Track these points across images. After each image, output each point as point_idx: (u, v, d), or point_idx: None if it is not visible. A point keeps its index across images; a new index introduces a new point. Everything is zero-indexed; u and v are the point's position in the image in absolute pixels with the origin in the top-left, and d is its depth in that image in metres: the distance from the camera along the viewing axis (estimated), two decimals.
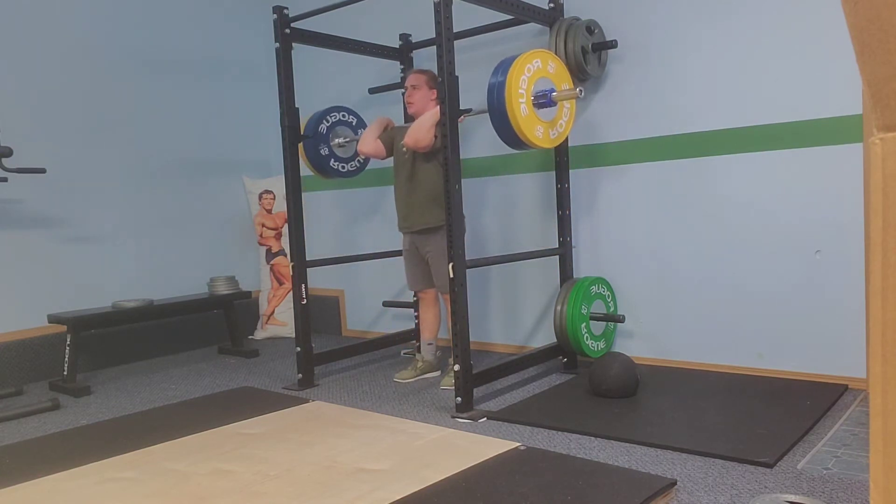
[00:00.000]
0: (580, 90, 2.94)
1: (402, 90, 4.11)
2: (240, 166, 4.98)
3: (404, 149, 3.37)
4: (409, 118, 3.55)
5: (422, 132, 3.21)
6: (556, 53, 3.33)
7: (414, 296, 3.80)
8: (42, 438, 2.87)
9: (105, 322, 3.98)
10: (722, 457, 2.27)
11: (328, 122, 3.81)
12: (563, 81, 3.06)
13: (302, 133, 3.63)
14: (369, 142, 3.51)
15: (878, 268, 0.80)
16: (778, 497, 1.94)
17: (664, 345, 3.49)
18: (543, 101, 2.94)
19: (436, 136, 3.20)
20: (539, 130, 2.95)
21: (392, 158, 3.55)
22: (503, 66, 2.89)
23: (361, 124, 3.96)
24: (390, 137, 3.54)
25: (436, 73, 3.35)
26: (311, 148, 3.73)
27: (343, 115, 3.89)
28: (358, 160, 3.94)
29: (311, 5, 3.50)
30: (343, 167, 3.89)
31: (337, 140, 3.82)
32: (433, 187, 3.30)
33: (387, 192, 4.45)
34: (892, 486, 0.80)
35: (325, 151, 3.78)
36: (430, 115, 3.22)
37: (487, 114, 2.96)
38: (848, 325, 2.97)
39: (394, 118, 4.30)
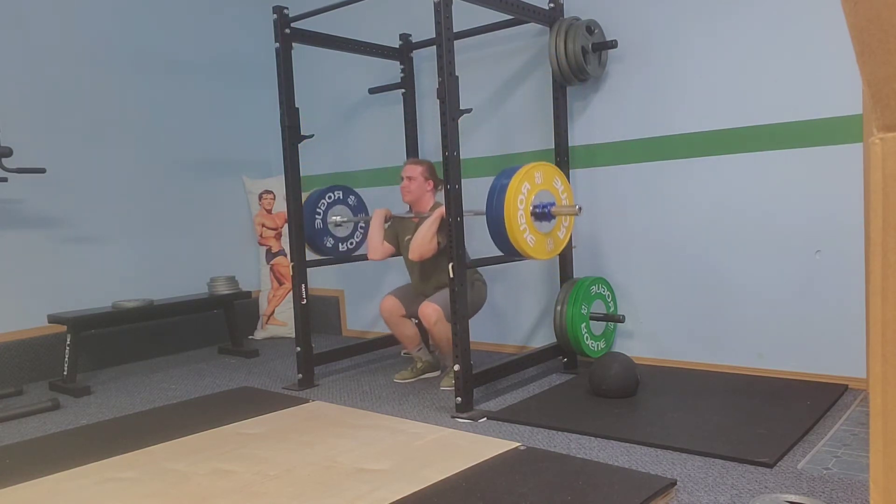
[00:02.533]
0: (579, 207, 2.96)
1: (403, 91, 4.13)
2: (240, 166, 4.98)
3: (412, 259, 3.37)
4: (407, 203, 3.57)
5: (425, 246, 3.26)
6: (555, 53, 3.33)
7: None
8: (42, 438, 2.87)
9: (105, 322, 3.97)
10: (722, 457, 2.27)
11: (326, 201, 3.84)
12: (563, 194, 3.06)
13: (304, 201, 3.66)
14: (377, 249, 3.53)
15: (878, 268, 0.80)
16: (778, 497, 1.94)
17: (664, 345, 3.49)
18: (543, 214, 2.95)
19: (438, 243, 3.24)
20: (533, 241, 2.94)
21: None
22: (505, 175, 2.89)
23: (361, 207, 4.01)
24: (394, 234, 3.58)
25: (431, 163, 3.43)
26: (308, 228, 3.75)
27: (339, 195, 3.93)
28: (351, 242, 4.00)
29: (311, 5, 3.50)
30: (342, 246, 3.95)
31: (335, 219, 3.86)
32: (443, 272, 3.30)
33: (387, 192, 4.46)
34: (892, 486, 0.80)
35: (321, 230, 3.83)
36: (429, 226, 3.25)
37: (483, 216, 2.96)
38: (848, 325, 2.97)
39: (394, 118, 4.31)
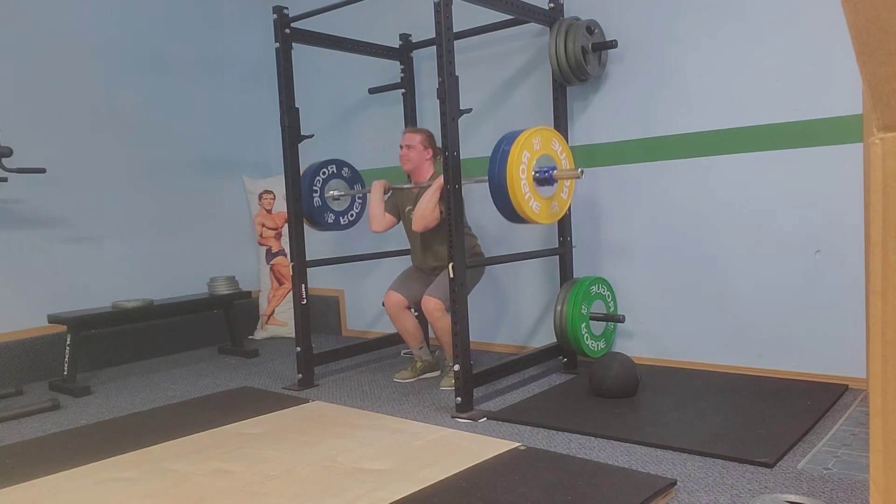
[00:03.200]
0: (581, 171, 2.95)
1: (403, 91, 4.13)
2: (240, 166, 4.98)
3: (415, 230, 3.37)
4: (406, 175, 3.57)
5: (428, 216, 3.24)
6: (556, 53, 3.33)
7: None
8: (42, 438, 2.87)
9: (105, 322, 3.97)
10: (722, 457, 2.27)
11: (322, 175, 3.81)
12: (564, 159, 3.05)
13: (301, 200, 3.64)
14: (379, 220, 3.51)
15: (878, 268, 0.80)
16: (778, 497, 1.94)
17: (664, 345, 3.49)
18: (544, 179, 2.95)
19: (441, 212, 3.23)
20: (537, 207, 2.94)
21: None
22: (506, 141, 2.89)
23: (357, 178, 3.98)
24: (395, 205, 3.57)
25: (430, 132, 3.41)
26: (305, 201, 3.72)
27: (335, 168, 3.89)
28: (350, 215, 3.97)
29: (311, 5, 3.50)
30: (334, 219, 3.91)
31: (332, 192, 3.83)
32: (443, 242, 3.32)
33: None
34: (892, 486, 0.80)
35: (319, 204, 3.80)
36: (431, 196, 3.23)
37: (485, 182, 2.95)
38: (848, 325, 2.97)
39: (394, 118, 4.31)
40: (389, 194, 3.60)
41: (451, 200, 2.90)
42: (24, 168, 3.62)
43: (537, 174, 2.93)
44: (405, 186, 3.52)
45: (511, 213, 2.91)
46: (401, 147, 3.44)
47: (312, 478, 2.22)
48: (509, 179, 2.81)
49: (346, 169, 3.94)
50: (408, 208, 3.46)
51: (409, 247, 3.70)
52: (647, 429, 2.57)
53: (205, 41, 4.78)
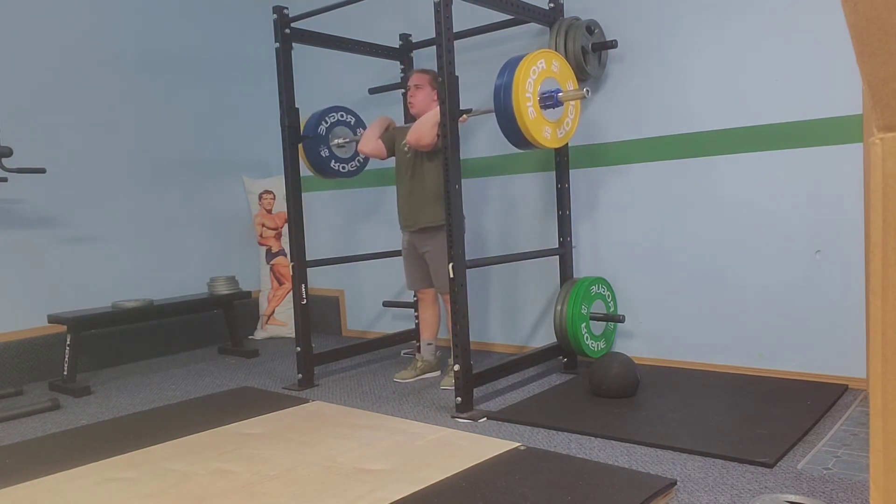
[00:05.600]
0: (587, 90, 2.94)
1: (403, 90, 4.12)
2: (240, 166, 4.98)
3: (406, 147, 3.37)
4: (411, 118, 3.55)
5: (424, 130, 3.22)
6: None
7: (414, 295, 3.80)
8: (42, 438, 2.87)
9: (105, 322, 3.97)
10: (722, 457, 2.27)
11: (327, 122, 3.79)
12: (568, 81, 3.06)
13: (301, 133, 3.62)
14: (370, 142, 3.50)
15: (878, 268, 0.80)
16: (778, 497, 1.94)
17: (664, 345, 3.49)
18: (550, 101, 2.94)
19: (438, 136, 3.20)
20: (546, 131, 2.95)
21: (393, 159, 3.55)
22: (508, 67, 2.89)
23: (360, 124, 3.95)
24: (391, 137, 3.54)
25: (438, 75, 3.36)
26: (310, 149, 3.72)
27: (342, 115, 3.88)
28: (358, 160, 3.93)
29: (311, 5, 3.50)
30: (343, 167, 3.88)
31: (336, 140, 3.80)
32: (435, 186, 3.30)
33: (387, 192, 4.46)
34: (892, 486, 0.80)
35: (325, 153, 3.77)
36: (432, 114, 3.22)
37: (492, 113, 2.94)
38: (848, 325, 2.97)
39: (394, 118, 4.31)
40: (390, 132, 3.57)
41: (452, 200, 2.90)
42: (24, 168, 3.62)
43: (543, 96, 2.92)
44: (407, 126, 3.50)
45: (520, 138, 2.91)
46: (408, 88, 3.42)
47: (312, 478, 2.22)
48: (515, 105, 2.81)
49: (350, 116, 3.92)
50: (403, 142, 3.41)
51: None
52: (647, 429, 2.57)
53: (205, 41, 4.78)
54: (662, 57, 3.37)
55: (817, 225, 3.02)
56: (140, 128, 4.44)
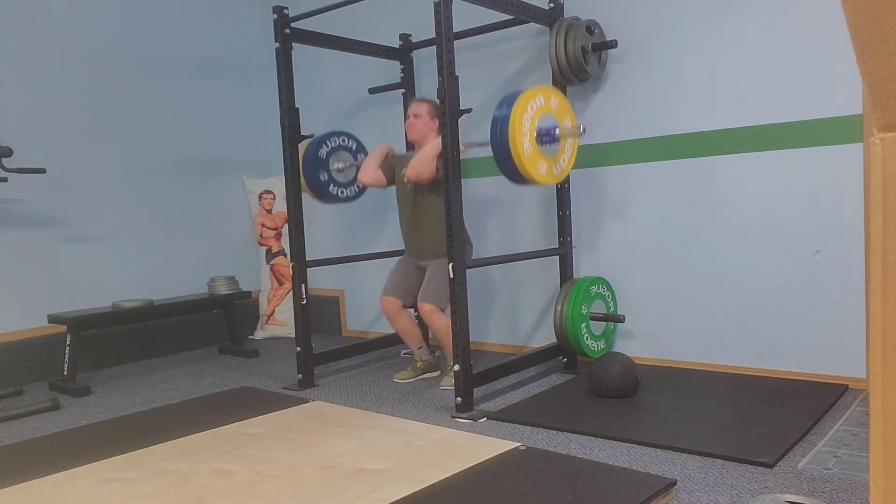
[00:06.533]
0: (583, 127, 2.95)
1: (405, 118, 4.12)
2: (240, 166, 4.98)
3: (406, 180, 3.37)
4: (410, 145, 3.56)
5: (424, 164, 3.23)
6: (556, 53, 3.33)
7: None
8: (42, 438, 2.87)
9: (105, 322, 3.97)
10: (722, 457, 2.27)
11: (328, 146, 3.80)
12: (566, 117, 3.05)
13: (304, 150, 3.62)
14: (370, 172, 3.50)
15: (878, 268, 0.80)
16: (778, 497, 1.94)
17: (664, 345, 3.49)
18: (547, 138, 2.94)
19: (437, 168, 3.21)
20: (542, 167, 2.94)
21: (394, 187, 3.57)
22: (506, 102, 2.88)
23: (361, 149, 3.96)
24: (391, 167, 3.55)
25: (437, 102, 3.36)
26: (310, 173, 3.73)
27: (343, 140, 3.89)
28: (357, 185, 3.94)
29: (311, 5, 3.50)
30: (342, 192, 3.89)
31: (337, 164, 3.82)
32: (437, 218, 3.30)
33: (387, 192, 4.45)
34: (892, 486, 0.80)
35: (324, 177, 3.79)
36: (431, 147, 3.23)
37: (489, 146, 2.94)
38: (848, 325, 2.97)
39: (393, 118, 4.32)
40: (389, 160, 3.57)
41: (452, 200, 2.90)
42: (24, 168, 3.62)
43: (540, 133, 2.92)
44: (407, 154, 3.52)
45: (515, 174, 2.90)
46: (406, 117, 3.43)
47: (313, 478, 2.22)
48: (512, 140, 2.80)
49: (351, 141, 3.92)
50: (403, 171, 3.41)
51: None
52: (647, 429, 2.57)
53: (205, 41, 4.78)
54: (662, 57, 3.37)
55: (817, 225, 3.02)
56: (140, 128, 4.44)
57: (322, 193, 3.80)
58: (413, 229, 3.46)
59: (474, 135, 4.01)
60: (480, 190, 4.04)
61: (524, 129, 2.83)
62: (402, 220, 3.53)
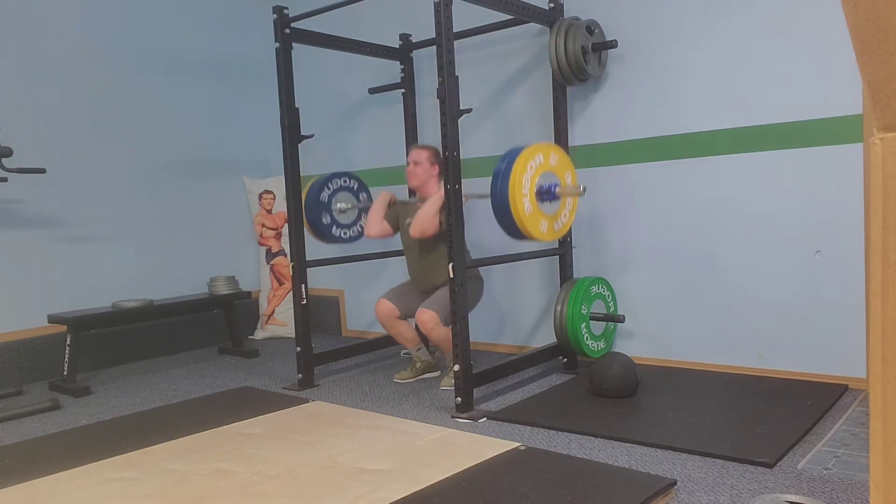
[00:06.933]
0: (583, 187, 2.96)
1: (405, 118, 4.13)
2: (240, 166, 4.98)
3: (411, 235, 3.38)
4: (412, 192, 3.58)
5: (426, 222, 3.25)
6: (556, 53, 3.33)
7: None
8: (42, 438, 2.87)
9: (105, 322, 3.97)
10: (722, 457, 2.27)
11: (329, 189, 3.84)
12: (566, 171, 3.05)
13: (306, 192, 3.67)
14: (375, 226, 3.53)
15: (878, 268, 0.80)
16: (778, 497, 1.94)
17: (664, 345, 3.49)
18: (547, 196, 2.96)
19: (441, 223, 3.22)
20: (543, 225, 2.95)
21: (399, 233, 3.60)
22: (509, 156, 2.88)
23: (363, 188, 4.00)
24: (395, 215, 3.58)
25: (437, 149, 3.37)
26: (313, 217, 3.76)
27: (344, 181, 3.92)
28: (360, 225, 3.98)
29: (311, 5, 3.50)
30: (345, 233, 3.93)
31: (339, 205, 3.86)
32: (444, 266, 3.30)
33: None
34: (892, 486, 0.80)
35: (327, 219, 3.83)
36: (433, 203, 3.25)
37: (489, 199, 2.94)
38: (848, 325, 2.97)
39: (394, 118, 4.32)
40: (393, 208, 3.61)
41: (452, 200, 2.90)
42: (24, 168, 3.62)
43: (540, 191, 2.94)
44: (410, 201, 3.55)
45: (514, 230, 2.91)
46: (408, 164, 3.45)
47: (312, 478, 2.22)
48: (511, 196, 2.81)
49: (353, 181, 3.98)
50: (407, 220, 3.46)
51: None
52: (647, 429, 2.57)
53: (205, 41, 4.78)
54: (662, 57, 3.37)
55: (817, 225, 3.02)
56: (140, 128, 4.44)
57: (325, 235, 3.86)
58: (419, 275, 3.50)
59: (474, 135, 4.02)
60: (480, 190, 4.03)
61: (524, 189, 2.84)
62: (409, 264, 3.58)
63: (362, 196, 3.97)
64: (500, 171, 2.85)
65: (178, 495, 2.14)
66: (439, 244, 3.34)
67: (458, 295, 2.90)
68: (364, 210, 3.95)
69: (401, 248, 3.69)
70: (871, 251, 0.81)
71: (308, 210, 3.72)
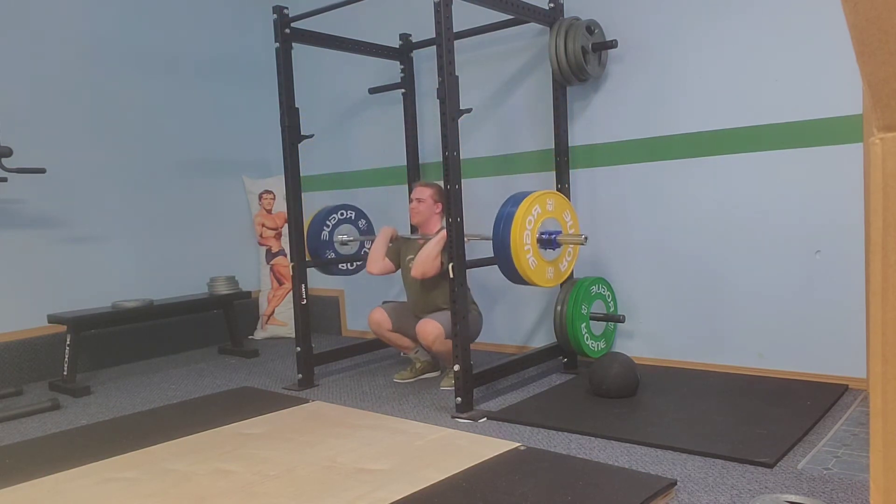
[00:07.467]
0: (585, 237, 2.97)
1: (405, 119, 4.13)
2: (240, 166, 4.98)
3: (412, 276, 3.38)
4: (414, 228, 3.60)
5: (428, 264, 3.26)
6: (556, 53, 3.33)
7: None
8: (42, 438, 2.87)
9: (105, 322, 3.97)
10: (722, 457, 2.27)
11: (329, 224, 3.91)
12: (564, 211, 3.07)
13: (308, 225, 3.74)
14: (377, 263, 3.54)
15: (878, 268, 0.80)
16: (778, 497, 1.94)
17: (664, 345, 3.49)
18: (549, 245, 2.99)
19: (442, 263, 3.23)
20: (549, 272, 3.00)
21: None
22: (512, 202, 2.90)
23: (362, 215, 4.06)
24: (396, 250, 3.59)
25: (440, 185, 3.36)
26: (315, 250, 3.84)
27: (342, 214, 3.99)
28: (364, 251, 4.05)
29: (311, 5, 3.50)
30: (348, 267, 4.01)
31: (341, 237, 3.92)
32: (442, 295, 3.34)
33: (387, 192, 4.46)
34: (892, 486, 0.80)
35: (330, 255, 3.91)
36: (435, 244, 3.26)
37: (490, 240, 2.97)
38: (848, 325, 2.97)
39: (394, 118, 4.31)
40: (394, 243, 3.61)
41: (452, 201, 2.90)
42: (24, 168, 3.62)
43: (542, 237, 2.96)
44: (412, 237, 3.56)
45: (514, 275, 2.93)
46: (411, 200, 3.47)
47: (313, 478, 2.22)
48: (513, 243, 2.83)
49: (356, 214, 4.05)
50: (409, 257, 3.46)
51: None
52: (647, 429, 2.57)
53: (205, 41, 4.78)
54: (662, 57, 3.37)
55: (817, 225, 3.02)
56: (140, 128, 4.44)
57: (328, 270, 3.97)
58: (422, 308, 3.49)
59: (474, 135, 4.01)
60: (480, 190, 4.04)
61: (526, 245, 2.86)
62: (409, 294, 3.58)
63: (361, 222, 4.05)
64: (503, 217, 2.88)
65: (178, 495, 2.14)
66: (441, 282, 3.34)
67: (458, 295, 2.90)
68: (364, 244, 4.02)
69: None
70: (871, 251, 0.81)
71: (311, 248, 3.83)
